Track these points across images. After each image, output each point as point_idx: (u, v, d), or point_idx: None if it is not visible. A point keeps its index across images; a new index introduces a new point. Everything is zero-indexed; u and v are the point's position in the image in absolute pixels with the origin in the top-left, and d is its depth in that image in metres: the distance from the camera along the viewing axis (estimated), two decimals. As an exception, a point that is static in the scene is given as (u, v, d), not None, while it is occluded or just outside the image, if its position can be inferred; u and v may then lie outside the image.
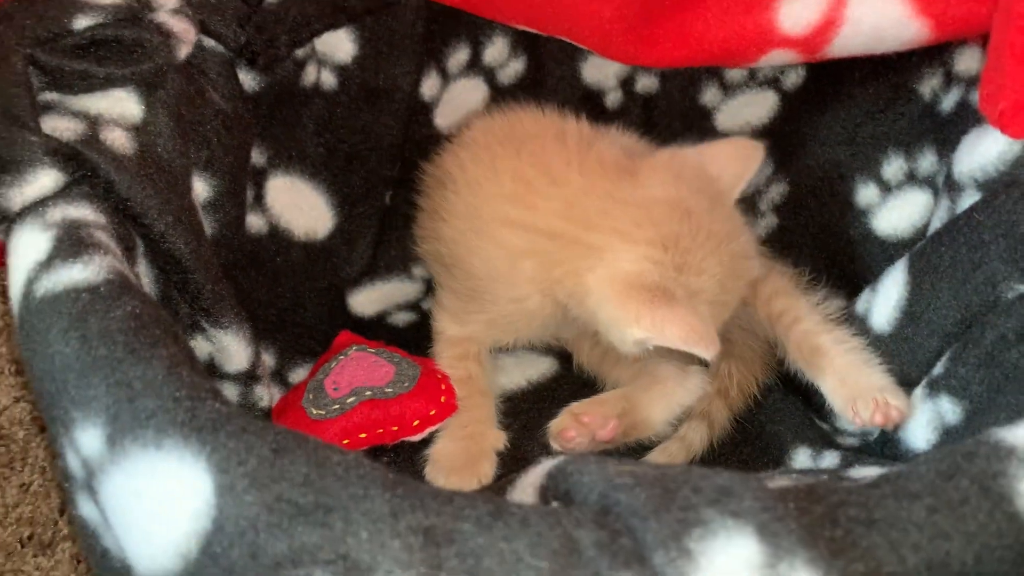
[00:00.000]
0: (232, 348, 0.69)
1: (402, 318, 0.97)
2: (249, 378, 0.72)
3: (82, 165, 0.58)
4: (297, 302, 0.90)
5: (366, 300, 0.97)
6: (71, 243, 0.53)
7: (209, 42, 0.74)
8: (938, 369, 0.69)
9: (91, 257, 0.52)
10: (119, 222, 0.59)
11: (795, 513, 0.41)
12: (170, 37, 0.63)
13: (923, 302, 0.71)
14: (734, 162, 0.79)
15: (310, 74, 0.86)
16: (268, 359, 0.85)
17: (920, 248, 0.73)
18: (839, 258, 0.90)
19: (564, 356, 0.91)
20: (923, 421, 0.70)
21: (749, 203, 1.00)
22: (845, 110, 0.88)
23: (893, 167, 0.85)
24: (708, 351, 0.66)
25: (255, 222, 0.86)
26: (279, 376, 0.86)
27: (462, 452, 0.76)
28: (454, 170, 0.83)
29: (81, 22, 0.60)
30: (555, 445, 0.80)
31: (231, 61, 0.76)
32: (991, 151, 0.67)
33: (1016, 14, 0.58)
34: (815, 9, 0.72)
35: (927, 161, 0.82)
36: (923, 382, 0.71)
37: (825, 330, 0.78)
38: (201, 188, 0.72)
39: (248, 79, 0.80)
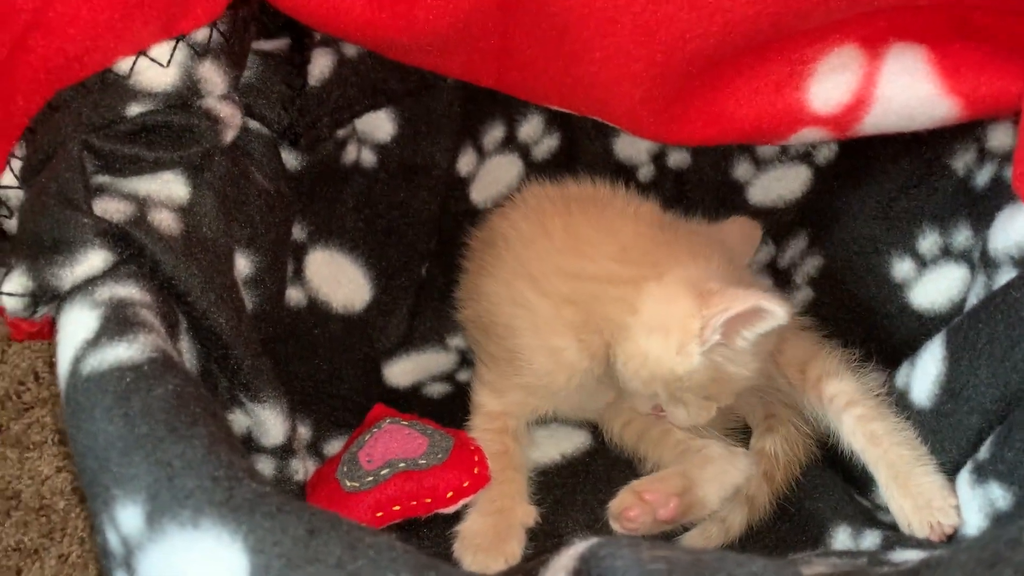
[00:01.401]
0: (269, 422, 0.70)
1: (437, 389, 0.97)
2: (285, 452, 0.73)
3: (130, 245, 0.60)
4: (334, 374, 0.91)
5: (401, 371, 0.98)
6: (118, 322, 0.54)
7: (254, 124, 0.77)
8: (984, 453, 0.68)
9: (136, 336, 0.53)
10: (164, 300, 0.61)
11: (831, 602, 0.40)
12: (217, 122, 0.66)
13: (962, 379, 0.70)
14: (741, 241, 0.86)
15: (350, 153, 0.88)
16: (304, 431, 0.86)
17: (957, 324, 0.72)
18: (876, 331, 0.89)
19: (598, 430, 0.90)
20: (974, 508, 0.69)
21: (784, 276, 1.00)
22: (878, 185, 0.89)
23: (928, 241, 0.85)
24: (780, 306, 0.68)
25: (294, 295, 0.88)
26: (314, 448, 0.86)
27: (490, 529, 0.75)
28: (505, 229, 0.86)
29: (134, 109, 0.63)
30: (615, 526, 0.78)
31: (275, 142, 0.78)
32: (1026, 227, 0.67)
33: (1045, 95, 0.58)
34: (845, 89, 0.74)
35: (962, 236, 0.82)
36: (970, 466, 0.70)
37: (879, 416, 0.77)
38: (243, 265, 0.74)
39: (291, 158, 0.83)
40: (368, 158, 0.90)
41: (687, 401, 0.77)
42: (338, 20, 0.73)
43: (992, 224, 0.72)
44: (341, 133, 0.86)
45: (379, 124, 0.89)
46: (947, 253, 0.84)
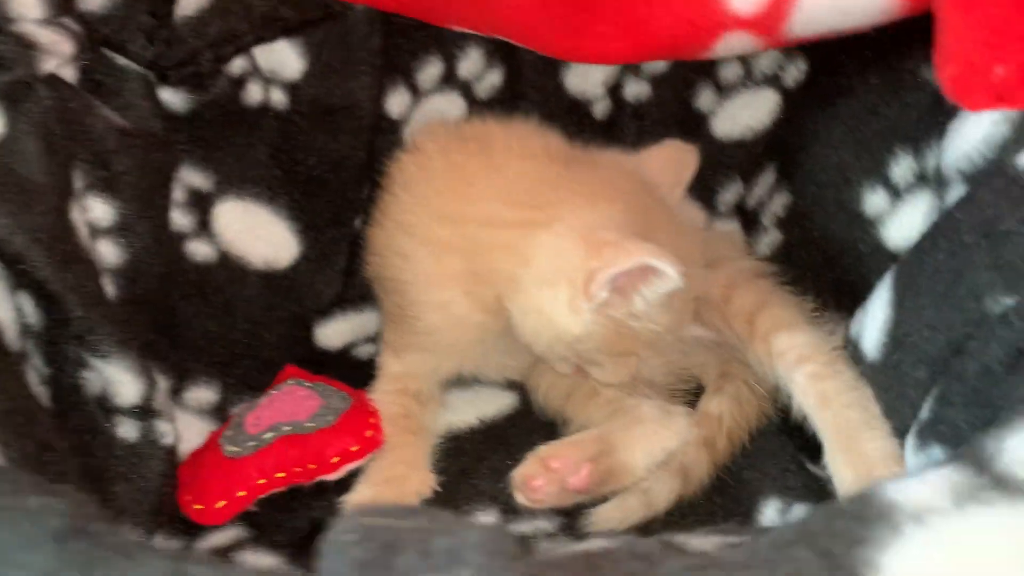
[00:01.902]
0: (115, 379, 0.64)
1: (367, 350, 0.90)
2: (145, 413, 0.67)
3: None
4: (254, 335, 0.85)
5: (335, 332, 0.91)
6: None
7: (122, 59, 0.71)
8: (925, 412, 0.56)
9: None
10: (-41, 243, 0.55)
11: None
12: (33, 49, 0.60)
13: (906, 324, 0.59)
14: (669, 169, 0.73)
15: (254, 92, 0.81)
16: (209, 395, 0.80)
17: (904, 258, 0.60)
18: (848, 276, 0.77)
19: (527, 392, 0.81)
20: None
21: (752, 218, 0.88)
22: (846, 105, 0.76)
23: (902, 167, 0.72)
24: (672, 265, 0.59)
25: (202, 250, 0.82)
26: (220, 413, 0.80)
27: (376, 500, 0.67)
28: (395, 173, 0.78)
29: (-70, 35, 0.57)
30: (520, 498, 0.70)
31: (146, 78, 0.72)
32: (974, 134, 0.54)
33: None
34: (766, -18, 0.62)
35: (937, 158, 0.69)
36: (914, 428, 0.58)
37: (833, 374, 0.66)
38: (102, 212, 0.68)
39: (176, 98, 0.76)
40: (278, 98, 0.83)
41: (599, 360, 0.68)
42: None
43: (945, 134, 0.59)
44: (237, 70, 0.79)
45: (284, 59, 0.81)
46: (923, 180, 0.71)
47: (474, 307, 0.69)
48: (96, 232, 0.69)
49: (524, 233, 0.65)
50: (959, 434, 0.53)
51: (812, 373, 0.67)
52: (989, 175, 0.52)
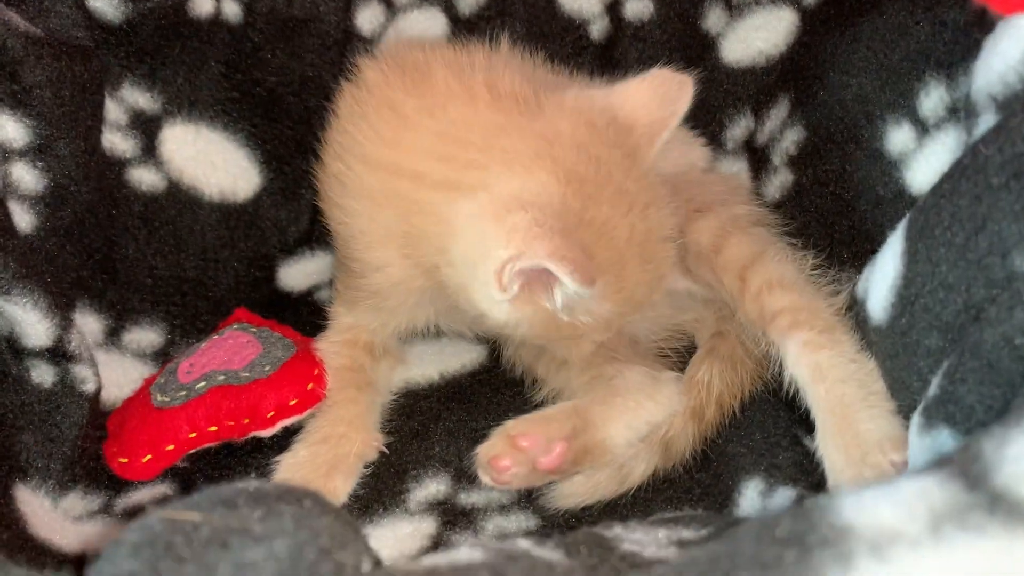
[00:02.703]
0: (20, 318, 0.57)
1: (327, 294, 0.82)
2: (58, 356, 0.60)
3: None
4: (206, 273, 0.78)
5: (300, 272, 0.84)
6: None
7: (42, -40, 0.63)
8: (933, 389, 0.47)
9: None
10: None
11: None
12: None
13: (919, 281, 0.49)
14: (654, 104, 0.59)
15: (203, 3, 0.73)
16: (152, 336, 0.74)
17: (920, 204, 0.50)
18: (865, 225, 0.67)
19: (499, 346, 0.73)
20: (921, 462, 0.48)
21: (762, 156, 0.78)
22: (871, 24, 0.65)
23: (932, 99, 0.61)
24: (580, 280, 0.49)
25: (146, 177, 0.75)
26: (164, 356, 0.74)
27: (311, 461, 0.60)
28: (338, 105, 0.68)
29: None
30: (484, 478, 0.61)
31: (69, -18, 0.64)
32: (1012, 51, 0.44)
33: None
34: None
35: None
36: (921, 407, 0.49)
37: (830, 343, 0.58)
38: (14, 130, 0.61)
39: (109, 7, 0.69)
40: (232, 10, 0.75)
41: (543, 343, 0.59)
42: None
43: (978, 57, 0.49)
44: (179, -24, 0.71)
45: (237, -35, 0.73)
46: (955, 113, 0.60)
47: (414, 271, 0.60)
48: (9, 153, 0.62)
49: (449, 198, 0.56)
50: (971, 416, 0.44)
51: (807, 341, 0.58)
52: (1027, 102, 0.42)
